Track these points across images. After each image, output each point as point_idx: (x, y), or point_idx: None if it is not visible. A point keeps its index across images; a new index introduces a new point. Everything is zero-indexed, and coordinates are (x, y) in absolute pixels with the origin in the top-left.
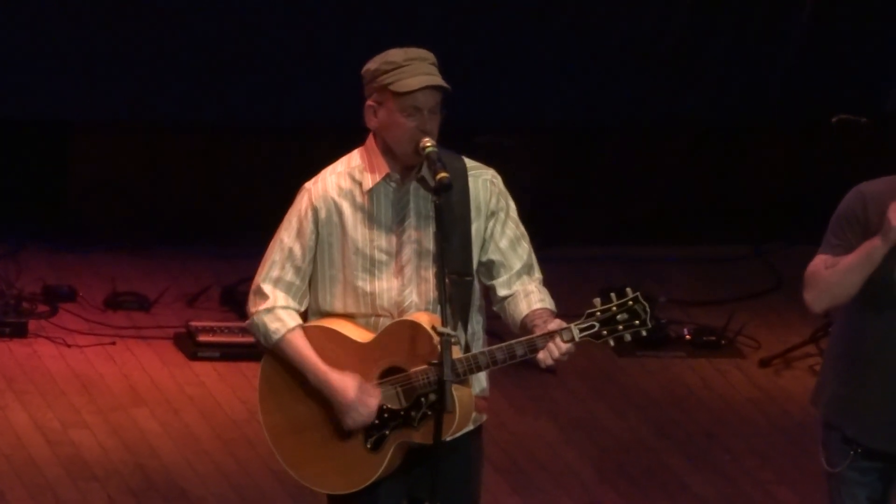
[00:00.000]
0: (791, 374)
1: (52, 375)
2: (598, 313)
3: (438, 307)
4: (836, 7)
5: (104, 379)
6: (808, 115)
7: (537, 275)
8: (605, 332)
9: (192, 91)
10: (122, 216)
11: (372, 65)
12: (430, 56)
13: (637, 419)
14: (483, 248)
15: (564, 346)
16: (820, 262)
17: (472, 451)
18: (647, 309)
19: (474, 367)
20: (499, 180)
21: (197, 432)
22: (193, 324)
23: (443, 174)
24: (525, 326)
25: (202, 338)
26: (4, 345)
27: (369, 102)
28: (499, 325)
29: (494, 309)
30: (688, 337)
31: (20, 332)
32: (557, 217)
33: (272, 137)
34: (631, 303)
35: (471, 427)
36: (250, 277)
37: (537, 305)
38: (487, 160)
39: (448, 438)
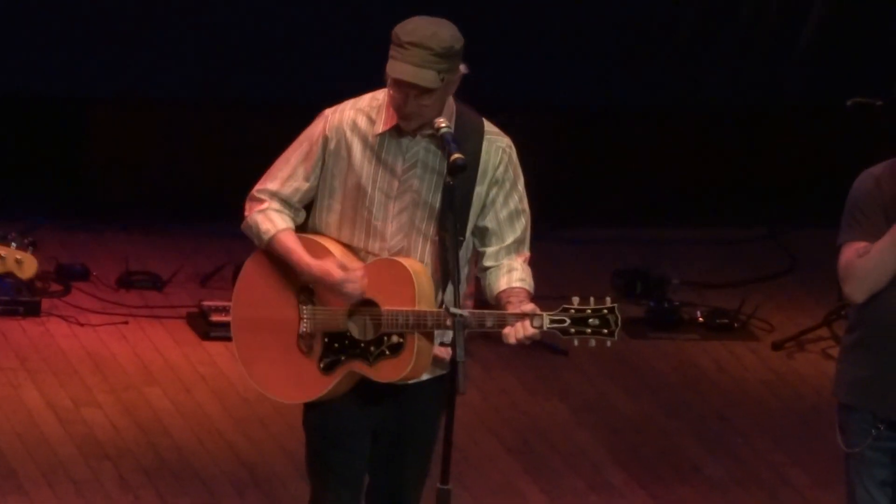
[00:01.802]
0: (804, 356)
1: (65, 354)
2: (573, 311)
3: (450, 285)
4: None
5: (117, 358)
6: (824, 97)
7: (526, 252)
8: (572, 331)
9: (207, 69)
10: (136, 194)
11: (396, 27)
12: (437, 45)
13: (649, 401)
14: (482, 213)
15: (531, 331)
16: (850, 252)
17: (434, 397)
18: (619, 322)
19: (444, 323)
20: (513, 151)
21: (209, 411)
22: (206, 303)
23: (456, 155)
24: (500, 300)
25: (215, 317)
26: (17, 323)
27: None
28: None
29: (477, 274)
30: (701, 319)
31: (33, 310)
32: (571, 198)
33: (288, 115)
34: (605, 311)
35: (430, 375)
36: None
37: (517, 283)
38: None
39: (398, 382)
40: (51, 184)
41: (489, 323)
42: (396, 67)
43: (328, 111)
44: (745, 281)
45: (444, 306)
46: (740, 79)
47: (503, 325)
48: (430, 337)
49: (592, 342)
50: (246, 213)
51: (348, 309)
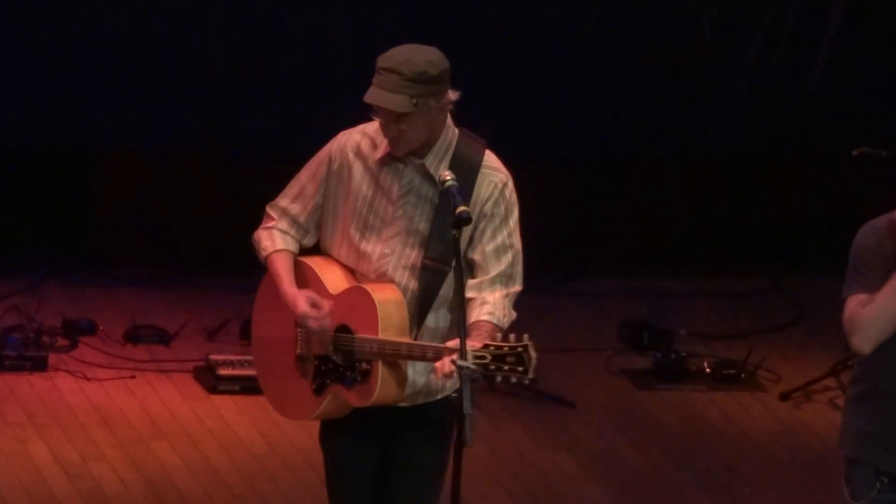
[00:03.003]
0: (811, 407)
1: (72, 409)
2: (492, 348)
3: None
4: (857, 40)
5: (124, 413)
6: (829, 148)
7: (514, 287)
8: (492, 367)
9: (213, 121)
10: (142, 249)
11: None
12: (409, 69)
13: (657, 453)
14: (469, 245)
15: (450, 367)
16: (855, 304)
17: (421, 425)
18: (533, 361)
19: (415, 355)
20: (507, 186)
21: (217, 466)
22: (213, 357)
23: (462, 208)
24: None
25: (222, 371)
26: (25, 378)
27: None
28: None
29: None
30: (708, 370)
31: (40, 365)
32: (575, 250)
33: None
34: (520, 349)
35: (409, 403)
36: None
37: (483, 317)
38: None
39: (371, 406)
40: (57, 238)
41: (429, 354)
42: (370, 92)
43: (341, 133)
44: (751, 332)
45: (451, 360)
46: (746, 130)
47: (437, 359)
48: (396, 365)
49: (513, 379)
50: (260, 226)
51: (333, 334)
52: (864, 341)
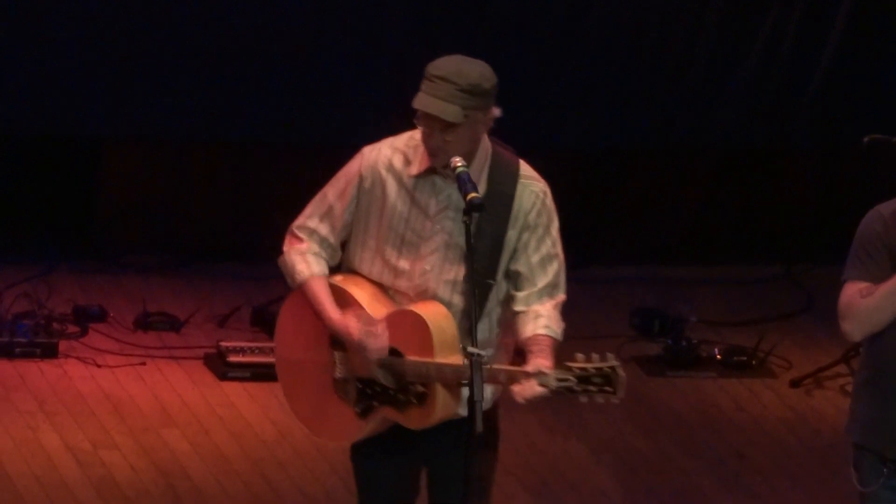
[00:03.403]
0: (822, 394)
1: (83, 396)
2: (575, 369)
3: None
4: (865, 28)
5: (134, 400)
6: (839, 136)
7: (560, 296)
8: (578, 389)
9: (221, 109)
10: (152, 236)
11: (429, 63)
12: (463, 80)
13: (667, 440)
14: (513, 257)
15: (538, 390)
16: (853, 291)
17: (461, 433)
18: (623, 380)
19: (466, 375)
20: (548, 195)
21: (227, 453)
22: (224, 344)
23: (473, 195)
24: (524, 347)
25: (232, 358)
26: (35, 365)
27: None
28: None
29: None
30: (718, 357)
31: (51, 352)
32: (586, 238)
33: (302, 155)
34: (608, 370)
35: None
36: (281, 298)
37: (541, 331)
38: None
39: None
40: (67, 225)
41: (501, 377)
42: (421, 99)
43: (367, 149)
44: (762, 319)
45: (462, 347)
46: (755, 119)
47: (513, 382)
48: (452, 386)
49: (600, 399)
50: (285, 249)
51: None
52: (856, 330)
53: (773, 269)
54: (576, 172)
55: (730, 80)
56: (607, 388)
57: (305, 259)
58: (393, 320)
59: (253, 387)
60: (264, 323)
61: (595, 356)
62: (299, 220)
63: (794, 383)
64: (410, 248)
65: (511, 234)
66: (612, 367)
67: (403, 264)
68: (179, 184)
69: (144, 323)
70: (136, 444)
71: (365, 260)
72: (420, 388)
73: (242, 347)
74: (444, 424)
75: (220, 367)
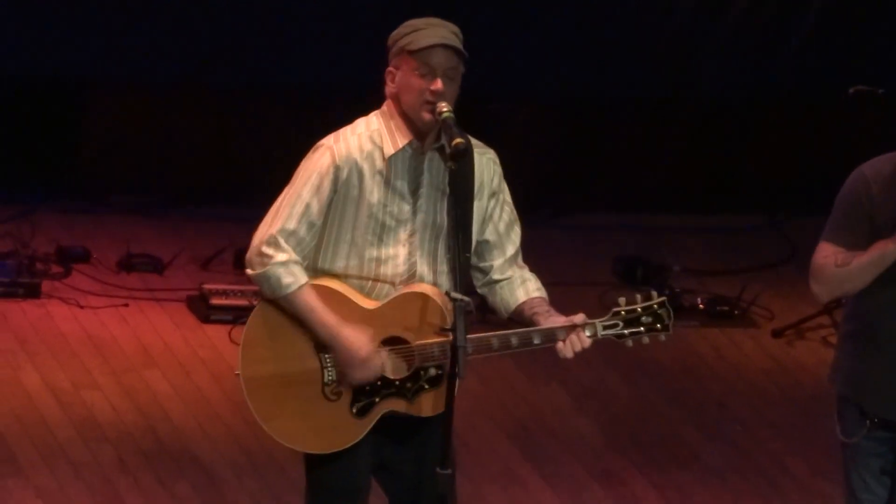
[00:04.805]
0: (804, 344)
1: (65, 336)
2: (623, 313)
3: (451, 275)
4: None
5: (117, 341)
6: (823, 88)
7: (521, 261)
8: (626, 333)
9: (207, 53)
10: (137, 177)
11: (395, 31)
12: (453, 26)
13: (649, 388)
14: (482, 227)
15: (588, 341)
16: (828, 254)
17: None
18: (671, 315)
19: (485, 348)
20: (498, 162)
21: (208, 395)
22: (206, 287)
23: (458, 140)
24: (521, 313)
25: (215, 301)
26: (17, 305)
27: (389, 68)
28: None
29: (479, 291)
30: (701, 306)
31: (33, 292)
32: (569, 185)
33: (286, 98)
34: (656, 307)
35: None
36: None
37: (535, 294)
38: (499, 128)
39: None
40: (50, 166)
41: (537, 340)
42: (426, 40)
43: (328, 142)
44: (745, 268)
45: (445, 292)
46: (740, 71)
47: (553, 340)
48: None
49: (646, 339)
50: (259, 262)
51: (375, 350)
52: (825, 294)
53: (757, 219)
54: (561, 122)
55: (714, 30)
56: (657, 327)
57: (290, 270)
58: (395, 305)
59: (235, 330)
60: None
61: (638, 296)
62: (273, 227)
63: (776, 333)
64: (390, 233)
65: (478, 205)
66: (661, 303)
67: (385, 251)
68: (164, 126)
69: (128, 264)
70: (117, 385)
71: (340, 255)
72: (434, 371)
73: (225, 290)
74: (395, 420)
75: (203, 309)
